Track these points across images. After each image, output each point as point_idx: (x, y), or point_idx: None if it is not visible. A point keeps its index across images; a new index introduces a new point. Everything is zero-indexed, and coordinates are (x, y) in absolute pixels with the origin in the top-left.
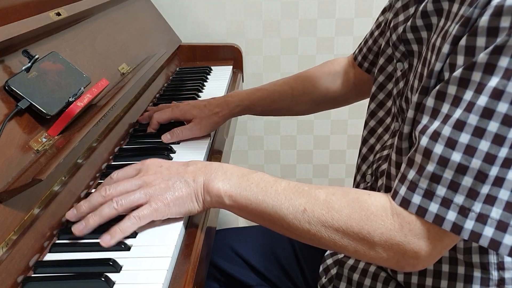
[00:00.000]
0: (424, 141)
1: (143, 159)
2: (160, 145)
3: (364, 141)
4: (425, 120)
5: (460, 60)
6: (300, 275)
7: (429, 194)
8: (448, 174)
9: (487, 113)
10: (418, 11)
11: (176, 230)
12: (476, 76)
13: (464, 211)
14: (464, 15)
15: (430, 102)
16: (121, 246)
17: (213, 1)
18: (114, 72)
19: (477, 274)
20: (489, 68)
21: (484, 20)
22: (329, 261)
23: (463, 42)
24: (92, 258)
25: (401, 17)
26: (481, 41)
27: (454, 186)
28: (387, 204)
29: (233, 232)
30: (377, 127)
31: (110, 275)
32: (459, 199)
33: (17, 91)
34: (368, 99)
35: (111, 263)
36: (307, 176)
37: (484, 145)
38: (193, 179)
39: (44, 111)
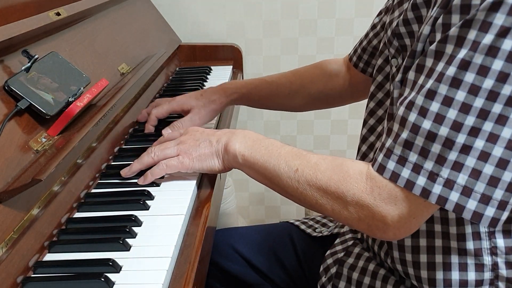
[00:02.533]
0: (401, 110)
1: None
2: None
3: (364, 139)
4: (406, 92)
5: (438, 36)
6: (301, 274)
7: (402, 160)
8: (419, 141)
9: (455, 83)
10: (409, 4)
11: (176, 230)
12: (448, 49)
13: (432, 177)
14: None
15: (411, 75)
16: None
17: (213, 1)
18: (114, 72)
19: (471, 261)
20: (459, 41)
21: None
22: (329, 261)
23: (440, 20)
24: (92, 258)
25: (396, 13)
26: (455, 18)
27: (424, 153)
28: (364, 169)
29: (233, 232)
30: (377, 125)
31: (110, 275)
32: (428, 165)
33: (16, 91)
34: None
35: (110, 263)
36: None
37: (452, 113)
38: (216, 140)
39: (43, 111)
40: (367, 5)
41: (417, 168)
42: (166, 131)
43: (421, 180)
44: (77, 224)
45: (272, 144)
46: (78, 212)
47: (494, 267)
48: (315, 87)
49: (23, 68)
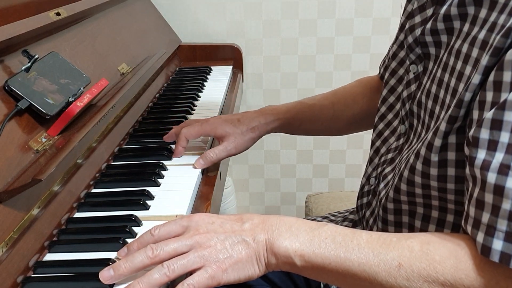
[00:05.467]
0: (492, 177)
1: (143, 160)
2: (160, 145)
3: (372, 144)
4: (481, 154)
5: (507, 76)
6: (302, 276)
7: (511, 237)
8: None
9: None
10: (439, 14)
11: None
12: None
13: None
14: (504, 24)
15: (484, 133)
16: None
17: (213, 1)
18: (114, 72)
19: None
20: None
21: None
22: None
23: (509, 56)
24: (92, 258)
25: (417, 19)
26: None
27: None
28: (470, 251)
29: None
30: (384, 130)
31: None
32: None
33: (16, 91)
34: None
35: (110, 264)
36: (307, 176)
37: None
38: (252, 238)
39: (43, 111)
40: (367, 5)
41: None
42: (199, 163)
43: None
44: (77, 224)
45: (336, 233)
46: (78, 212)
47: None
48: (358, 107)
49: (23, 68)
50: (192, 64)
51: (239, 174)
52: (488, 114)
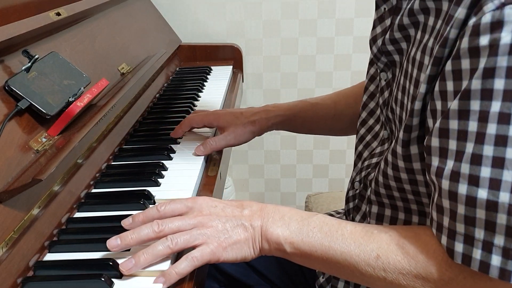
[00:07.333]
0: (445, 184)
1: (143, 160)
2: (160, 145)
3: (355, 149)
4: (435, 161)
5: (450, 85)
6: (300, 275)
7: (469, 239)
8: (480, 214)
9: (501, 140)
10: (394, 24)
11: None
12: (475, 105)
13: (507, 253)
14: (442, 33)
15: (434, 142)
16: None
17: (213, 1)
18: (114, 72)
19: None
20: (486, 94)
21: (464, 41)
22: None
23: (448, 66)
24: (92, 258)
25: (378, 29)
26: (465, 63)
27: (490, 226)
28: (440, 250)
29: None
30: (366, 135)
31: (110, 275)
32: (499, 240)
33: (17, 91)
34: None
35: (111, 263)
36: (307, 176)
37: (508, 175)
38: (250, 224)
39: (44, 111)
40: (367, 5)
41: (487, 246)
42: (199, 150)
43: (496, 260)
44: (77, 224)
45: (324, 223)
46: (78, 212)
47: None
48: (359, 106)
49: (23, 68)
50: (192, 64)
51: (239, 174)
52: (437, 123)
